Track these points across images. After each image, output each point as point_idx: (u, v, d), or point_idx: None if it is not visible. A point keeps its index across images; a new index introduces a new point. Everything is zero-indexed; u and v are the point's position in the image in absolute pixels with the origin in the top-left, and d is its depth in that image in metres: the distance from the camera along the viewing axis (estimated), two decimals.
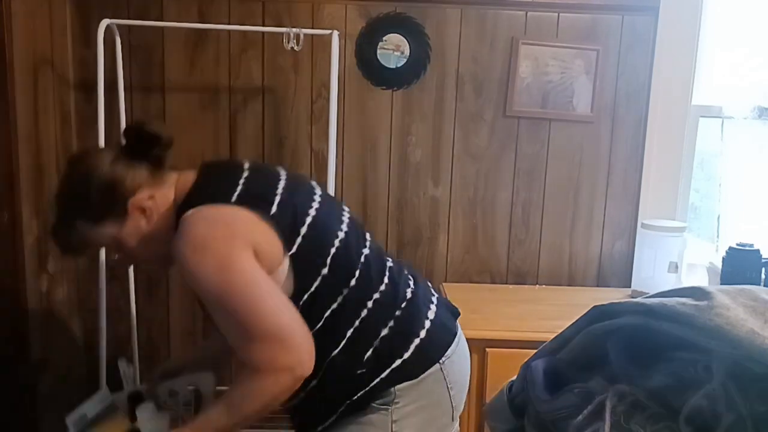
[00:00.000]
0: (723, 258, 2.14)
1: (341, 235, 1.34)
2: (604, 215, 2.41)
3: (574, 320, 0.81)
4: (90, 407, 1.52)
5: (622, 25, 2.30)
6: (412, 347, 1.34)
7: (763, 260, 2.11)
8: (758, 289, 0.73)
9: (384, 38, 2.27)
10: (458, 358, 1.41)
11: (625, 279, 2.41)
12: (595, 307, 0.78)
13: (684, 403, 0.69)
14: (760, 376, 0.66)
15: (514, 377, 0.86)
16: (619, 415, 0.71)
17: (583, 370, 0.79)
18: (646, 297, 0.76)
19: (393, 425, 1.35)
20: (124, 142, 1.31)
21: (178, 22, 2.20)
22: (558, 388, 0.77)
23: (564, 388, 0.76)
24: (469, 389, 1.70)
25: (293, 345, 1.18)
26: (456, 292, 2.25)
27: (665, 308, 0.70)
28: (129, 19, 2.20)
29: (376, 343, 1.32)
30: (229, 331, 1.20)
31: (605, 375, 0.75)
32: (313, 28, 2.23)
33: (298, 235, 1.27)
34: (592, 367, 0.79)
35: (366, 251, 1.37)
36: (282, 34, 2.07)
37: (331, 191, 2.19)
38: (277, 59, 2.27)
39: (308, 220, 1.29)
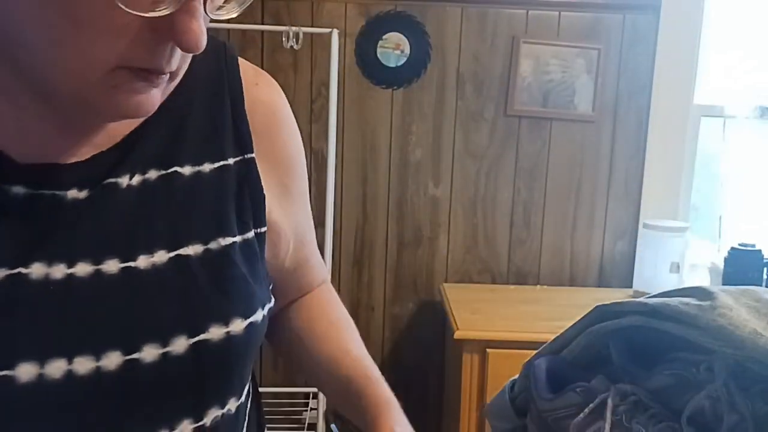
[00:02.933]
0: (725, 258, 2.13)
1: None
2: (606, 215, 2.40)
3: (575, 321, 0.81)
4: None
5: (624, 24, 2.29)
6: None
7: (765, 260, 2.10)
8: (761, 290, 0.73)
9: (384, 37, 2.27)
10: None
11: (626, 279, 2.40)
12: (597, 307, 0.78)
13: (686, 403, 0.69)
14: (762, 377, 0.66)
15: (516, 376, 0.86)
16: (620, 414, 0.71)
17: (586, 370, 0.78)
18: (649, 297, 0.76)
19: None
20: None
21: None
22: (560, 387, 0.77)
23: (566, 387, 0.76)
24: (469, 390, 1.69)
25: None
26: (456, 293, 2.24)
27: (668, 308, 0.70)
28: None
29: None
30: None
31: (607, 374, 0.75)
32: (312, 26, 2.22)
33: None
34: (594, 367, 0.78)
35: None
36: (281, 32, 2.07)
37: (330, 191, 2.18)
38: (276, 58, 2.26)
39: None
